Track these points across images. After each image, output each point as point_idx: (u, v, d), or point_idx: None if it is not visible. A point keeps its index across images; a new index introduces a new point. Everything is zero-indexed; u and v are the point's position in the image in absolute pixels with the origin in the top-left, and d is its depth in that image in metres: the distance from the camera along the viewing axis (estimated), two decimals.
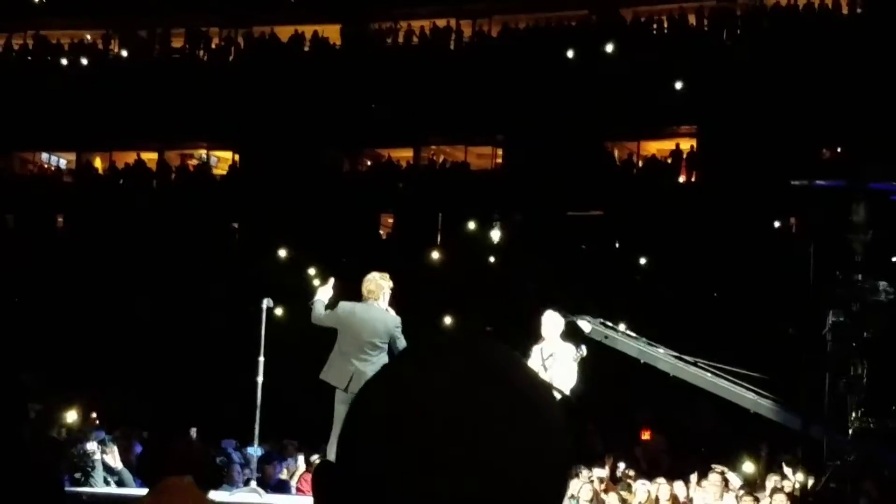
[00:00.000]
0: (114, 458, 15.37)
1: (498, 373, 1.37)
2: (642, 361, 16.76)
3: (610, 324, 17.21)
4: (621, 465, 17.63)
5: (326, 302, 11.13)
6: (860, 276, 8.13)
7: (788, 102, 26.58)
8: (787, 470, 15.08)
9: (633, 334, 17.00)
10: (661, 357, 16.71)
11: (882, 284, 8.22)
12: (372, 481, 1.31)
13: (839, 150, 27.19)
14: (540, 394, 1.39)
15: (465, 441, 1.30)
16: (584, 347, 12.70)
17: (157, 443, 6.11)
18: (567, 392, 12.18)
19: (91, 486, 14.59)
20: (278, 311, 17.21)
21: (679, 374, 16.58)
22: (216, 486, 13.74)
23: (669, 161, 30.98)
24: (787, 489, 14.66)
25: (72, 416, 17.99)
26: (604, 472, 17.42)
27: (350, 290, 11.18)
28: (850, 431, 7.95)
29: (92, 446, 15.23)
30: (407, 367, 1.40)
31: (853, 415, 8.03)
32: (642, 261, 27.56)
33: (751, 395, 15.85)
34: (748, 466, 17.83)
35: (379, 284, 10.76)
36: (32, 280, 29.80)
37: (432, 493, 1.29)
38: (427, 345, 1.48)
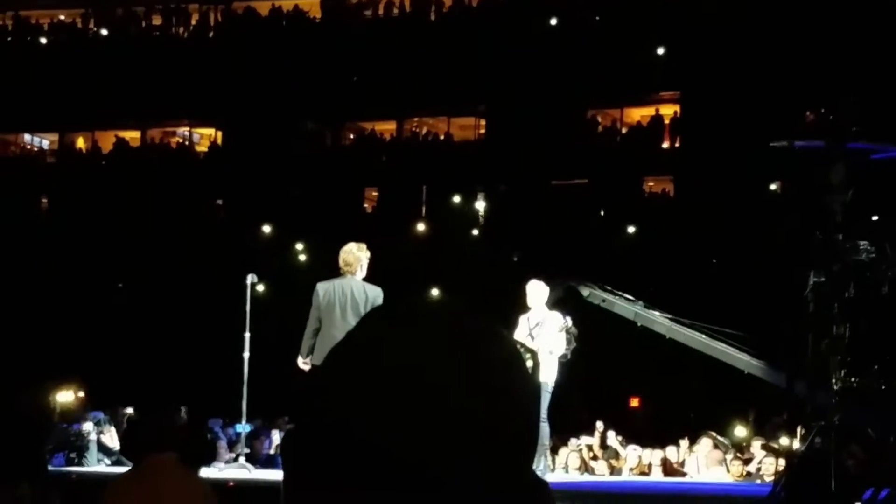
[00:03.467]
0: (111, 439, 15.41)
1: (461, 334, 1.36)
2: (639, 324, 16.84)
3: (609, 287, 17.29)
4: (611, 433, 17.69)
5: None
6: (840, 236, 8.14)
7: (771, 64, 26.55)
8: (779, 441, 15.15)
9: (631, 297, 17.07)
10: (658, 319, 16.79)
11: (862, 244, 8.22)
12: (338, 444, 1.30)
13: (822, 111, 27.15)
14: (506, 355, 1.39)
15: (431, 400, 1.29)
16: (569, 319, 12.72)
17: (140, 420, 6.08)
18: (556, 358, 12.21)
19: (85, 465, 14.62)
20: (261, 287, 17.17)
21: (675, 336, 16.67)
22: (206, 463, 13.78)
23: (652, 127, 30.96)
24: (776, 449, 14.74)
25: (64, 397, 18.02)
26: (593, 440, 17.48)
27: (335, 264, 11.11)
28: (834, 392, 7.98)
29: (88, 427, 15.27)
30: (370, 330, 1.39)
31: (836, 375, 8.05)
32: (628, 229, 27.58)
33: (744, 357, 15.93)
34: (739, 431, 17.92)
35: (356, 256, 10.67)
36: (16, 262, 29.71)
37: (396, 455, 1.28)
38: (388, 310, 1.47)
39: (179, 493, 5.53)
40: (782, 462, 10.48)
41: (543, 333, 12.19)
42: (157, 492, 5.46)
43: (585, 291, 16.41)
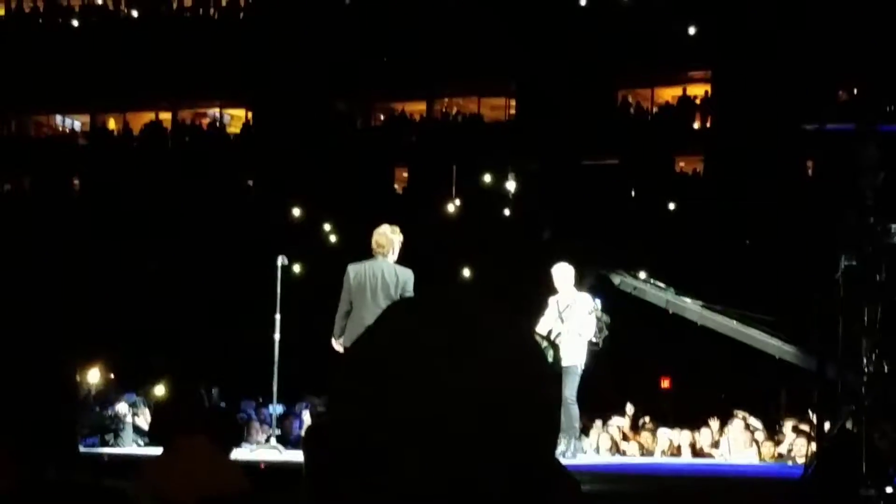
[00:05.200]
0: (146, 420, 15.51)
1: (481, 328, 1.36)
2: (670, 311, 16.84)
3: (643, 276, 17.31)
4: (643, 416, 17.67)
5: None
6: (872, 219, 8.09)
7: (803, 43, 26.32)
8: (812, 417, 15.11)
9: (662, 285, 17.07)
10: (689, 307, 16.80)
11: (894, 227, 8.18)
12: (357, 434, 1.31)
13: (855, 91, 26.98)
14: (525, 349, 1.39)
15: (450, 395, 1.29)
16: (598, 301, 12.74)
17: (167, 401, 6.11)
18: (585, 340, 12.21)
19: (120, 446, 14.73)
20: (292, 268, 17.23)
21: (706, 323, 16.65)
22: (236, 444, 13.86)
23: (682, 107, 30.82)
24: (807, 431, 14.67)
25: (94, 377, 18.12)
26: (623, 421, 17.46)
27: (366, 245, 11.12)
28: (865, 375, 7.95)
29: (122, 408, 15.39)
30: (392, 325, 1.39)
31: (867, 358, 8.02)
32: (659, 208, 27.48)
33: (775, 342, 15.89)
34: (771, 412, 17.87)
35: (389, 239, 10.68)
36: (49, 242, 29.88)
37: (416, 446, 1.28)
38: (412, 302, 1.47)
39: (211, 476, 5.56)
40: (814, 444, 10.45)
41: (573, 316, 12.21)
42: (188, 475, 5.49)
43: (616, 279, 16.44)
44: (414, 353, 1.35)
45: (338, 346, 10.84)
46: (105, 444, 14.92)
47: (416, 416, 1.31)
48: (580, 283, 13.47)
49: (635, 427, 17.48)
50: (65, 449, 3.10)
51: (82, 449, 12.14)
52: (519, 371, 1.38)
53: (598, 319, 12.42)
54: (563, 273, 12.47)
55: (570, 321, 12.14)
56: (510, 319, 1.43)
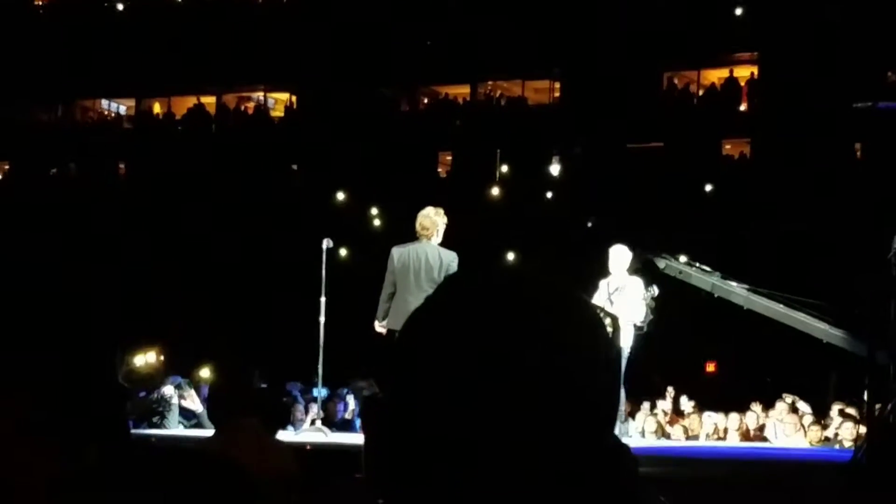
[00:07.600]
0: (193, 402, 15.61)
1: (541, 300, 1.34)
2: (716, 295, 16.74)
3: (685, 259, 17.21)
4: (684, 398, 17.59)
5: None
6: None
7: (851, 23, 26.06)
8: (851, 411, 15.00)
9: (707, 268, 16.97)
10: (735, 290, 16.69)
11: None
12: (419, 410, 1.30)
13: None
14: (586, 320, 1.37)
15: (511, 367, 1.28)
16: (655, 287, 12.68)
17: (223, 385, 6.15)
18: (634, 322, 12.15)
19: (166, 428, 14.85)
20: (337, 252, 17.25)
21: (753, 307, 16.53)
22: (283, 427, 13.93)
23: (729, 89, 30.57)
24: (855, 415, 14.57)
25: (142, 360, 18.23)
26: (666, 405, 17.41)
27: (410, 229, 11.11)
28: None
29: (169, 390, 15.49)
30: (450, 297, 1.37)
31: None
32: (704, 191, 27.32)
33: (822, 326, 15.75)
34: (818, 395, 17.75)
35: (434, 221, 10.63)
36: (95, 227, 30.09)
37: (479, 419, 1.27)
38: (468, 275, 1.46)
39: (264, 457, 5.59)
40: (862, 428, 10.36)
41: (622, 299, 12.14)
42: (240, 456, 5.51)
43: (662, 263, 16.35)
44: (473, 327, 1.33)
45: (380, 328, 10.84)
46: (152, 426, 15.04)
47: (482, 392, 1.30)
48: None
49: (677, 411, 17.42)
50: (116, 430, 3.10)
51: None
52: (584, 345, 1.36)
53: (646, 305, 12.35)
54: (619, 255, 12.41)
55: (619, 304, 12.08)
56: (569, 291, 1.41)
